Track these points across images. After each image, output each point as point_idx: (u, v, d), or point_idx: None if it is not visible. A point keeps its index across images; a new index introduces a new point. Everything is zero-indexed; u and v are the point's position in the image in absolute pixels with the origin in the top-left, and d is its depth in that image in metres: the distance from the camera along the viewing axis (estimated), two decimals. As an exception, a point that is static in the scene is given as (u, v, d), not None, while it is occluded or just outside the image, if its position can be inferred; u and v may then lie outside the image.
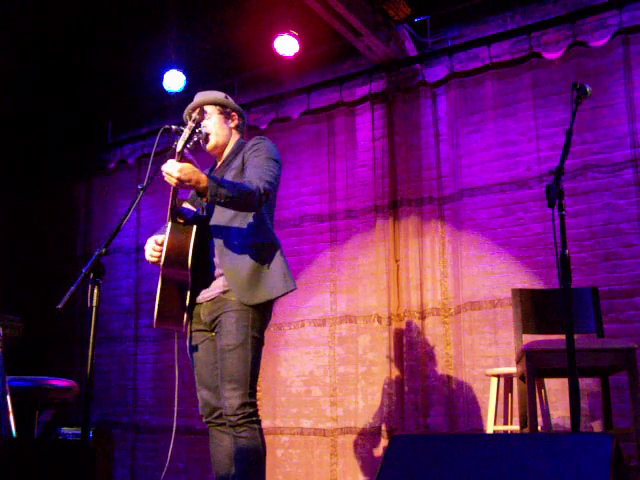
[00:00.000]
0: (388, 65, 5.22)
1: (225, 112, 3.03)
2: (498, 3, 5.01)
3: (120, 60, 5.82)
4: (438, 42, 5.23)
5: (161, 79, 5.57)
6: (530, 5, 4.91)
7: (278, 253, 2.89)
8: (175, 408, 3.00)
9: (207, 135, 2.96)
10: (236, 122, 3.07)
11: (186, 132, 2.69)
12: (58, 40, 5.58)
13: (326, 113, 5.50)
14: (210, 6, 5.32)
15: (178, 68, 5.53)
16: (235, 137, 3.07)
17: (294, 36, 5.01)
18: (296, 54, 5.12)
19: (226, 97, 3.09)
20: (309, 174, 5.48)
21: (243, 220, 2.84)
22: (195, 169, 2.58)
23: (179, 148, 2.67)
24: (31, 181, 6.76)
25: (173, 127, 2.82)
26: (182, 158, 2.63)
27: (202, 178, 2.57)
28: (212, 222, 2.86)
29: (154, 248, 2.82)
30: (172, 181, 2.56)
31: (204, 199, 2.62)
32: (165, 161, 2.64)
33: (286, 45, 5.05)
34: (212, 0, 5.29)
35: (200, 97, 3.07)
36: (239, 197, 2.65)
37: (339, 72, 5.59)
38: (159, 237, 2.85)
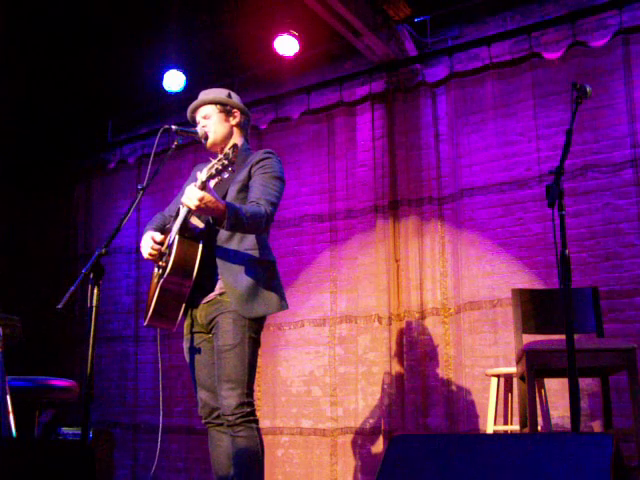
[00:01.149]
0: (388, 65, 5.22)
1: (225, 110, 3.02)
2: (498, 3, 5.01)
3: (120, 60, 5.82)
4: (438, 42, 5.23)
5: (161, 79, 5.57)
6: (530, 5, 4.91)
7: (275, 271, 2.95)
8: (161, 407, 3.02)
9: (206, 133, 2.97)
10: (238, 119, 3.06)
11: (216, 165, 2.59)
12: (58, 40, 5.58)
13: (326, 113, 5.49)
14: (210, 6, 5.32)
15: (178, 68, 5.53)
16: (238, 137, 3.06)
17: (294, 36, 5.01)
18: (296, 54, 5.12)
19: (229, 94, 3.07)
20: (309, 174, 5.48)
21: (243, 237, 2.87)
22: (215, 199, 2.57)
23: (204, 178, 2.59)
24: (31, 181, 6.76)
25: (173, 127, 2.82)
26: (204, 185, 2.61)
27: (220, 208, 2.58)
28: (215, 237, 2.87)
29: (152, 247, 2.83)
30: (192, 208, 2.57)
31: (220, 226, 2.64)
32: (167, 162, 2.65)
33: (286, 45, 5.05)
34: (212, 0, 5.29)
35: (202, 97, 3.07)
36: (251, 225, 2.71)
37: (339, 72, 5.59)
38: (156, 235, 2.87)
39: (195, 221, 2.85)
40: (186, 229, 2.78)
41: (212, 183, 2.83)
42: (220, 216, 2.60)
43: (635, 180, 4.25)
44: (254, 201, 2.80)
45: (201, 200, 2.54)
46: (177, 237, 2.74)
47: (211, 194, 2.57)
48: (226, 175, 2.62)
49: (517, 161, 4.66)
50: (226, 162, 2.58)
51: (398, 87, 5.21)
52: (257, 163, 2.92)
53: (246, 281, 2.81)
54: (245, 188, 2.90)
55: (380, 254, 5.00)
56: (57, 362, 6.17)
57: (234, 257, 2.84)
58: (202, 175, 2.61)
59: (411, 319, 4.84)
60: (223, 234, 2.85)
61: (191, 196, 2.55)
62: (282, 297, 2.92)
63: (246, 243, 2.86)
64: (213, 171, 2.59)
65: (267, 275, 2.89)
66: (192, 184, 2.62)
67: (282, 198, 3.03)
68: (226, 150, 2.61)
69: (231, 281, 2.80)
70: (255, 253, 2.87)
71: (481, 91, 4.87)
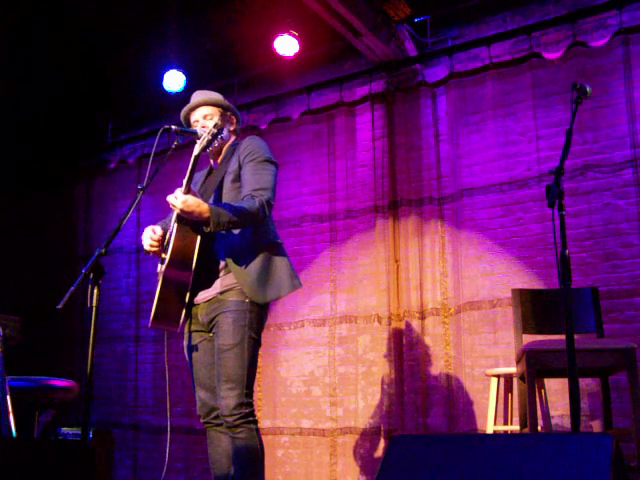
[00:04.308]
0: (388, 65, 5.22)
1: (225, 115, 3.04)
2: (498, 3, 5.01)
3: (120, 60, 5.82)
4: (438, 42, 5.23)
5: (161, 79, 5.57)
6: (530, 5, 4.91)
7: (282, 252, 2.95)
8: (168, 407, 3.01)
9: None
10: (234, 126, 3.11)
11: (206, 137, 2.68)
12: (58, 40, 5.58)
13: (326, 113, 5.49)
14: (210, 6, 5.32)
15: (178, 68, 5.52)
16: (231, 140, 3.09)
17: (294, 36, 5.01)
18: (296, 54, 5.12)
19: (223, 99, 3.10)
20: (309, 174, 5.48)
21: None
22: (198, 201, 2.65)
23: (197, 152, 2.69)
24: (31, 181, 6.76)
25: (173, 127, 2.82)
26: (189, 189, 2.65)
27: (204, 209, 2.64)
28: None
29: (152, 237, 2.85)
30: (176, 211, 2.66)
31: (207, 228, 2.66)
32: (167, 162, 2.67)
33: (286, 45, 5.05)
34: (212, 0, 5.29)
35: (202, 97, 3.06)
36: (241, 220, 2.72)
37: (339, 72, 5.59)
38: (157, 228, 2.90)
39: None
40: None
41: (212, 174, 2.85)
42: (205, 219, 2.64)
43: (635, 180, 4.25)
44: (248, 194, 2.81)
45: (184, 203, 2.62)
46: (176, 225, 2.75)
47: (195, 195, 2.67)
48: (216, 144, 2.72)
49: (517, 161, 4.66)
50: (215, 131, 2.68)
51: (398, 87, 5.21)
52: (244, 151, 2.94)
53: (254, 265, 2.82)
54: (238, 178, 2.92)
55: (380, 254, 5.00)
56: (57, 362, 6.17)
57: (239, 243, 2.84)
58: (195, 150, 2.69)
59: (411, 319, 4.84)
60: None
61: (174, 202, 2.64)
62: (293, 277, 2.91)
63: (250, 228, 2.86)
64: (205, 143, 2.69)
65: (274, 258, 2.89)
66: (178, 189, 2.67)
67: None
68: (216, 120, 2.73)
69: (238, 268, 2.80)
70: (260, 237, 2.88)
71: (481, 91, 4.86)
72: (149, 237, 2.87)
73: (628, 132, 4.30)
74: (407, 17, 5.01)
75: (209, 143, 2.69)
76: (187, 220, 2.76)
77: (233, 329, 2.77)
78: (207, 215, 2.63)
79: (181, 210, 2.63)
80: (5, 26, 5.33)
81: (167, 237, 2.86)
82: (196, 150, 2.68)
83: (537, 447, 1.78)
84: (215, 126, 2.68)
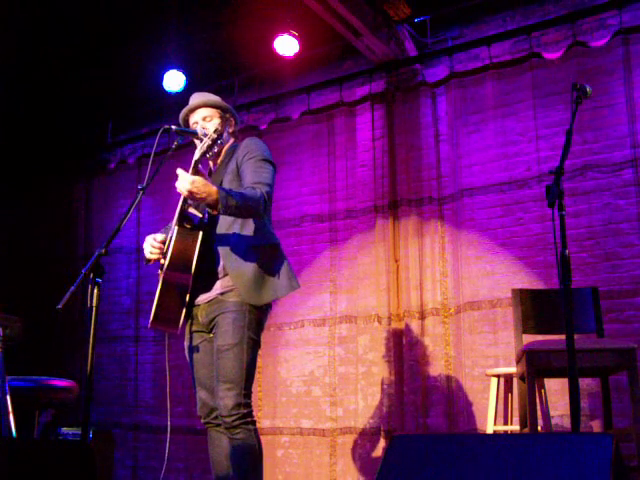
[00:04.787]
0: (388, 65, 5.22)
1: (225, 117, 3.05)
2: (498, 3, 5.01)
3: (120, 60, 5.82)
4: (438, 42, 5.23)
5: (161, 79, 5.57)
6: (530, 5, 4.91)
7: (280, 253, 2.95)
8: (168, 407, 3.02)
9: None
10: (233, 128, 3.11)
11: (206, 142, 2.69)
12: (58, 39, 5.58)
13: (326, 113, 5.49)
14: (210, 6, 5.32)
15: (178, 68, 5.52)
16: (230, 141, 3.09)
17: (294, 36, 5.01)
18: (296, 54, 5.13)
19: (221, 101, 3.10)
20: (309, 174, 5.48)
21: (244, 223, 2.87)
22: (207, 182, 2.59)
23: (197, 157, 2.68)
24: (31, 181, 6.76)
25: (173, 127, 2.83)
26: (196, 170, 2.66)
27: (213, 191, 2.58)
28: (215, 226, 2.87)
29: (152, 245, 2.85)
30: (184, 193, 2.59)
31: (214, 211, 2.64)
32: (167, 162, 2.67)
33: (286, 45, 5.06)
34: (212, 0, 5.29)
35: (201, 98, 3.06)
36: (247, 207, 2.69)
37: (339, 72, 5.59)
38: (158, 235, 2.90)
39: (193, 211, 2.86)
40: (184, 218, 2.78)
41: (212, 175, 2.86)
42: (213, 201, 2.60)
43: (635, 180, 4.25)
44: (249, 186, 2.81)
45: (193, 184, 2.55)
46: (176, 228, 2.74)
47: (203, 176, 2.64)
48: (216, 150, 2.73)
49: (517, 161, 4.66)
50: (215, 136, 2.67)
51: (398, 87, 5.21)
52: (242, 151, 2.95)
53: (251, 267, 2.81)
54: (237, 178, 2.92)
55: (380, 254, 5.00)
56: (57, 362, 6.17)
57: (236, 245, 2.84)
58: (195, 155, 2.68)
59: (411, 319, 4.84)
60: (224, 223, 2.86)
61: (183, 183, 2.57)
62: (291, 277, 2.90)
63: (247, 230, 2.86)
64: (205, 147, 2.68)
65: (272, 259, 2.89)
66: (180, 170, 2.64)
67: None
68: (217, 126, 2.74)
69: (236, 269, 2.80)
70: (258, 238, 2.88)
71: (481, 91, 4.86)
72: (150, 244, 2.87)
73: (628, 132, 4.30)
74: (407, 17, 5.01)
75: (209, 148, 2.68)
76: (188, 222, 2.76)
77: (232, 329, 2.78)
78: (215, 197, 2.58)
79: (189, 191, 2.55)
80: (5, 26, 5.33)
81: (167, 241, 2.87)
82: (196, 155, 2.68)
83: (537, 447, 1.78)
84: (215, 131, 2.68)
